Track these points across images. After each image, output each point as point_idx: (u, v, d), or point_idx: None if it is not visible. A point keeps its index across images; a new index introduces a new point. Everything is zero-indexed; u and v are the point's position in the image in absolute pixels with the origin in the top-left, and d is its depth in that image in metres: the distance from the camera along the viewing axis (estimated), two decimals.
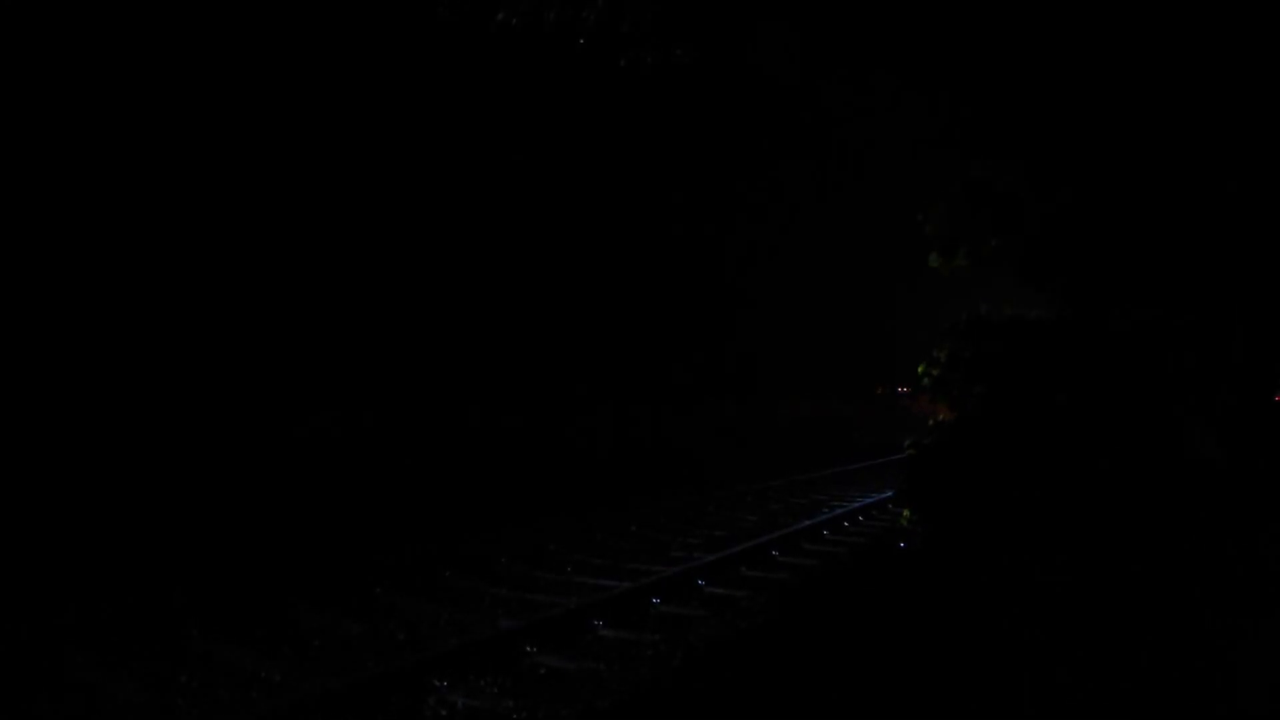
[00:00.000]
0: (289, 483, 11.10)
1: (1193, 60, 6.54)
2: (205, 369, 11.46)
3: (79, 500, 9.73)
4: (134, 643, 6.34)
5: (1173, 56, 6.57)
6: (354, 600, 7.65)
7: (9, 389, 9.84)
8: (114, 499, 9.88)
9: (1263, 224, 6.60)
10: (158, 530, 9.63)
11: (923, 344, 8.01)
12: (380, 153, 12.54)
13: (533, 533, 10.45)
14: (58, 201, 10.40)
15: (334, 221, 12.26)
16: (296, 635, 6.76)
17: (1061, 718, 4.61)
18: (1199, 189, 7.06)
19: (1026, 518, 7.24)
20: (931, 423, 7.85)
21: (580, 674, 6.12)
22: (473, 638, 6.42)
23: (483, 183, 13.08)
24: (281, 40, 11.34)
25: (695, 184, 15.70)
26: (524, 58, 10.81)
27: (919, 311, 20.27)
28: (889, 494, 14.29)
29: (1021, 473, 7.19)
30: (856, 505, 13.85)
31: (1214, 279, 7.27)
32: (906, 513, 7.46)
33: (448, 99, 12.64)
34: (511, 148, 12.85)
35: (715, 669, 6.21)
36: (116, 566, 8.34)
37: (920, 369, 8.20)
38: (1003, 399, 7.42)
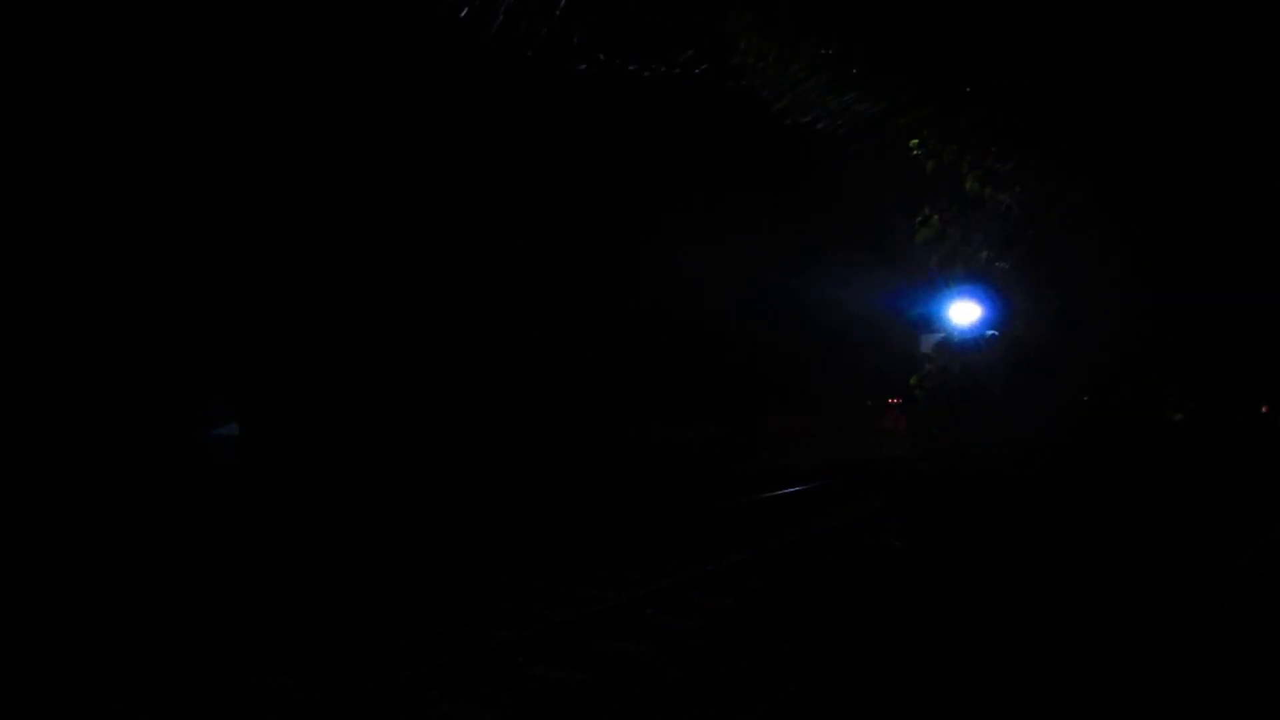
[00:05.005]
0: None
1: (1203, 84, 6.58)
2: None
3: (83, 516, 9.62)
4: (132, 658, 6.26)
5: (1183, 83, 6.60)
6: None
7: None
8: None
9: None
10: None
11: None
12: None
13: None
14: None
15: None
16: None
17: None
18: (1200, 214, 7.14)
19: (1018, 532, 7.27)
20: (918, 437, 7.88)
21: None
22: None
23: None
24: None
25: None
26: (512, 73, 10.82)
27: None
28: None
29: (1014, 488, 7.21)
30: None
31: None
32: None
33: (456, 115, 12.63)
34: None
35: None
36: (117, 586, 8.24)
37: (913, 380, 8.25)
38: (994, 411, 7.48)
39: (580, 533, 11.22)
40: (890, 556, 9.47)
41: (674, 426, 17.44)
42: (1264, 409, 12.62)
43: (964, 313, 11.14)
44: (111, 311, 11.13)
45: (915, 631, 6.55)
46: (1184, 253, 8.83)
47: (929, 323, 12.73)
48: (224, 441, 12.28)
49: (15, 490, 9.45)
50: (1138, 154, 7.90)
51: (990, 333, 7.73)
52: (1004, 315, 7.78)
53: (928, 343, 13.09)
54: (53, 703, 5.57)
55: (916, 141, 7.49)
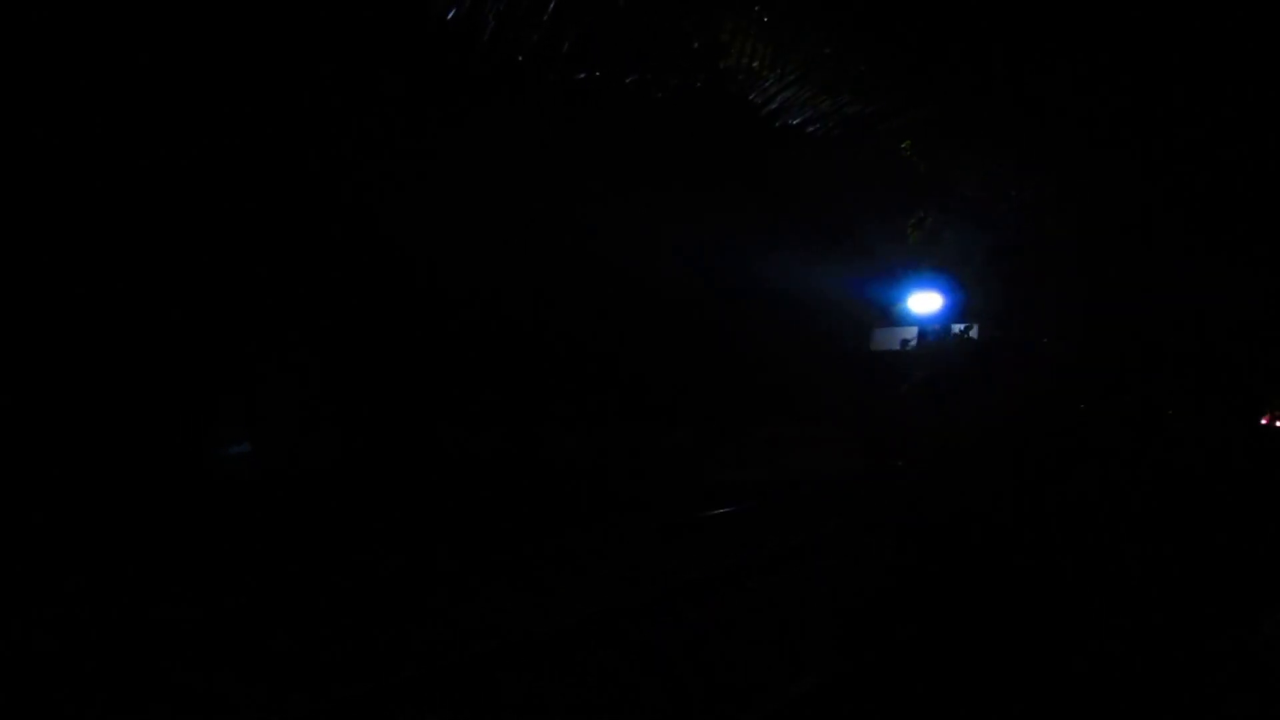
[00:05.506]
0: None
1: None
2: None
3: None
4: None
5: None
6: None
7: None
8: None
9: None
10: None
11: None
12: None
13: None
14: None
15: None
16: None
17: None
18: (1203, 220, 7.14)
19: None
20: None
21: None
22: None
23: None
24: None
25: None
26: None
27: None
28: None
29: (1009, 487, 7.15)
30: None
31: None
32: None
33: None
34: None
35: None
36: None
37: (904, 388, 8.21)
38: (981, 407, 7.45)
39: (546, 544, 11.03)
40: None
41: (666, 430, 17.13)
42: (1264, 419, 12.55)
43: (926, 303, 10.86)
44: (143, 361, 11.42)
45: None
46: (1186, 261, 8.75)
47: (886, 315, 12.44)
48: (238, 458, 12.40)
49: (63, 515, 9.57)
50: (1143, 158, 7.83)
51: (969, 331, 7.69)
52: (991, 316, 7.74)
53: (883, 338, 12.74)
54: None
55: (909, 143, 7.42)
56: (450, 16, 7.75)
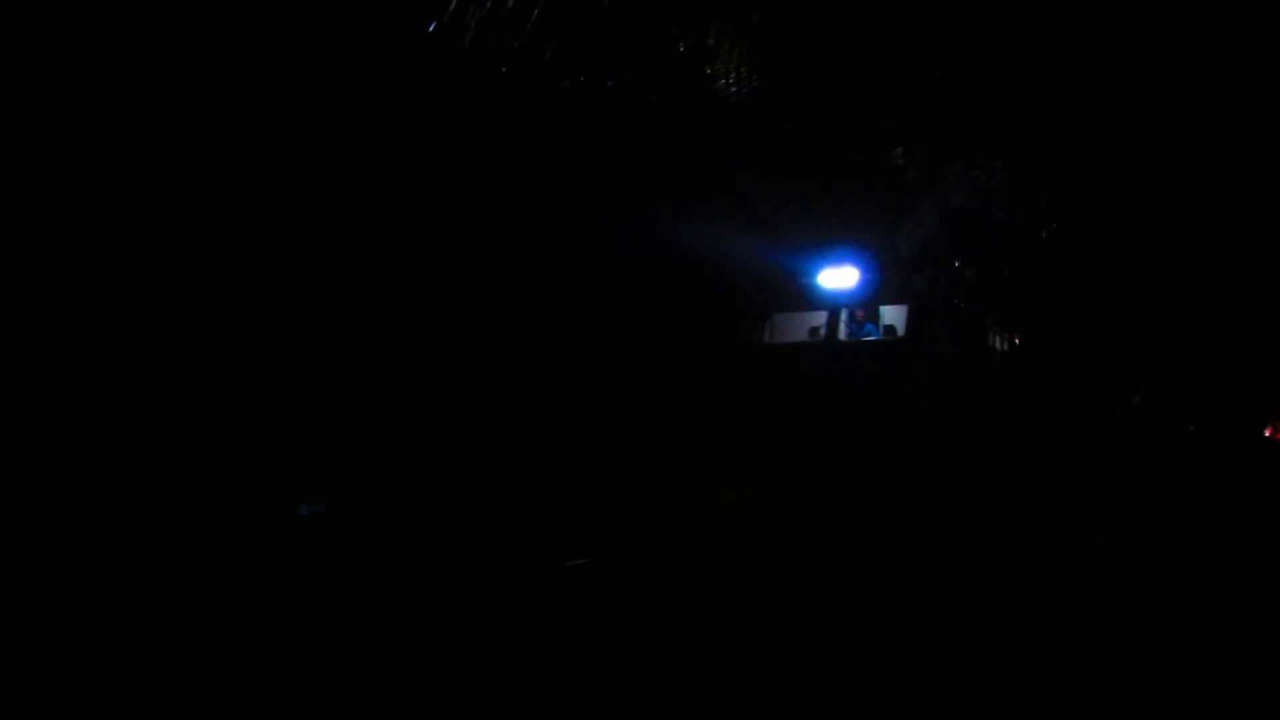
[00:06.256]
0: None
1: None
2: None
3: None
4: None
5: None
6: None
7: None
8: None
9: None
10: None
11: None
12: None
13: None
14: None
15: None
16: None
17: None
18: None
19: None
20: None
21: None
22: None
23: None
24: None
25: None
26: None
27: None
28: None
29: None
30: None
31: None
32: None
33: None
34: None
35: None
36: None
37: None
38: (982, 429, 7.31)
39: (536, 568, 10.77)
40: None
41: (663, 447, 16.72)
42: (1269, 430, 12.38)
43: (841, 278, 9.59)
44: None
45: None
46: (1189, 265, 8.60)
47: (786, 296, 10.52)
48: (313, 517, 12.34)
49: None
50: (1145, 159, 7.69)
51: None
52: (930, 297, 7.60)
53: (780, 326, 11.16)
54: None
55: (901, 149, 7.28)
56: (432, 29, 7.62)
